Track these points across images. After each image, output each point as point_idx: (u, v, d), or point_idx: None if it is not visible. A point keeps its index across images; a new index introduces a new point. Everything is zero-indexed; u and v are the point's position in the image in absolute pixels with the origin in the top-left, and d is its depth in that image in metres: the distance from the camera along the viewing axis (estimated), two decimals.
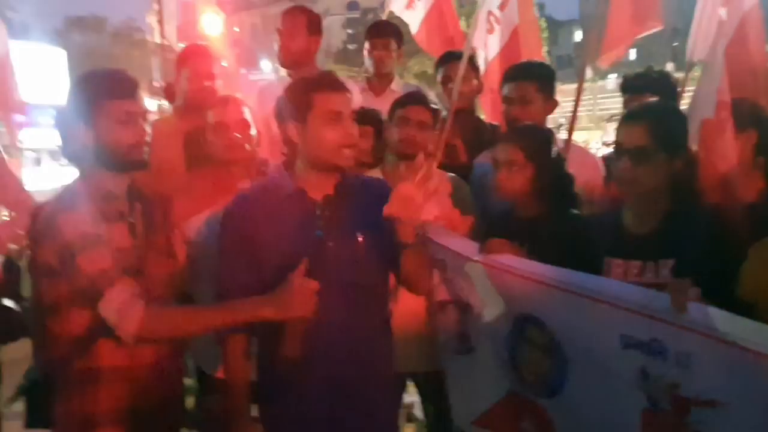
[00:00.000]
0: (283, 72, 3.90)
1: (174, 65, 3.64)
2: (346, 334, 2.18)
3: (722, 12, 2.88)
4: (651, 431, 1.99)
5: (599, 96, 23.84)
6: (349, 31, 45.10)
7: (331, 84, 2.18)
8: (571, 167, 2.85)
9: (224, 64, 4.25)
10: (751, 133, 2.66)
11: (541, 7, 36.16)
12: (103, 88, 2.12)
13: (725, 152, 2.64)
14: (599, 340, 2.09)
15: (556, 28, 35.88)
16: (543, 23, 33.73)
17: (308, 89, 2.17)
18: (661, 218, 2.20)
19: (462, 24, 5.67)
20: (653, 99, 2.93)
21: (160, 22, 5.28)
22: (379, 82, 4.03)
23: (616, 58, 4.00)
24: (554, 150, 2.71)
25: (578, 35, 48.59)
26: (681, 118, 2.36)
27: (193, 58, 3.56)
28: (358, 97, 3.67)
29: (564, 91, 3.21)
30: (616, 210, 2.33)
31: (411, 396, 3.58)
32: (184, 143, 3.16)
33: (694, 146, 2.65)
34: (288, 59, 3.72)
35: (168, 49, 5.27)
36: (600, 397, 2.14)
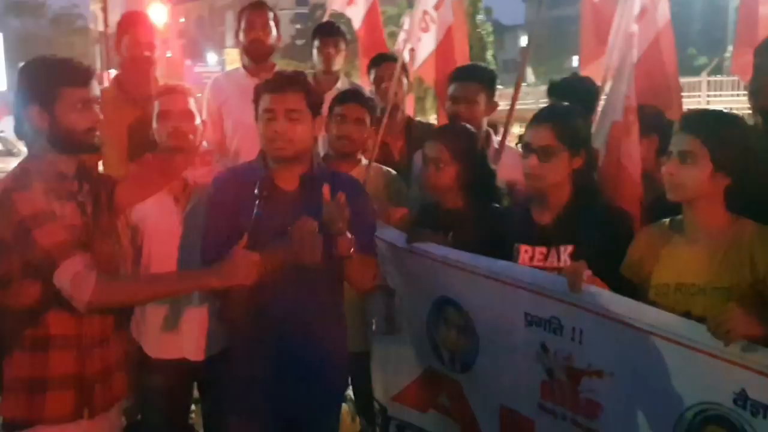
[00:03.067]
0: (231, 65, 3.96)
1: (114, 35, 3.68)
2: (295, 310, 2.36)
3: (634, 27, 3.14)
4: (549, 399, 2.23)
5: (541, 100, 24.30)
6: (298, 26, 44.88)
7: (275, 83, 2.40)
8: (503, 166, 3.05)
9: (169, 54, 4.29)
10: (654, 137, 2.94)
11: (488, 11, 36.67)
12: (61, 76, 2.21)
13: (630, 151, 2.91)
14: (507, 318, 2.32)
15: (503, 32, 36.33)
16: (489, 27, 34.31)
17: (259, 90, 2.40)
18: (563, 209, 2.42)
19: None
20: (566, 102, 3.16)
21: (104, 9, 5.27)
22: (326, 79, 4.14)
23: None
24: (479, 148, 2.90)
25: (524, 40, 49.53)
26: (583, 120, 2.58)
27: (134, 26, 3.60)
28: None
29: (509, 95, 3.41)
30: (527, 202, 2.54)
31: None
32: (130, 131, 3.24)
33: (604, 145, 2.92)
34: (257, 53, 3.80)
35: (111, 38, 5.25)
36: (506, 370, 2.38)
